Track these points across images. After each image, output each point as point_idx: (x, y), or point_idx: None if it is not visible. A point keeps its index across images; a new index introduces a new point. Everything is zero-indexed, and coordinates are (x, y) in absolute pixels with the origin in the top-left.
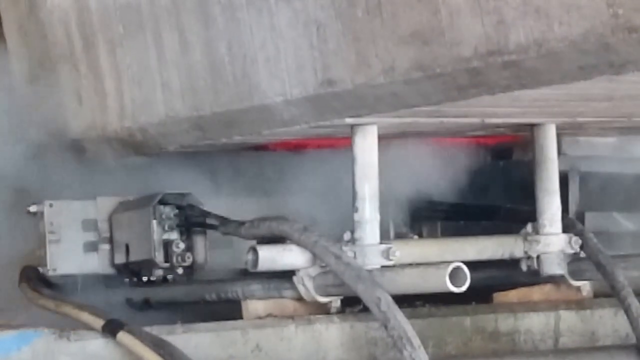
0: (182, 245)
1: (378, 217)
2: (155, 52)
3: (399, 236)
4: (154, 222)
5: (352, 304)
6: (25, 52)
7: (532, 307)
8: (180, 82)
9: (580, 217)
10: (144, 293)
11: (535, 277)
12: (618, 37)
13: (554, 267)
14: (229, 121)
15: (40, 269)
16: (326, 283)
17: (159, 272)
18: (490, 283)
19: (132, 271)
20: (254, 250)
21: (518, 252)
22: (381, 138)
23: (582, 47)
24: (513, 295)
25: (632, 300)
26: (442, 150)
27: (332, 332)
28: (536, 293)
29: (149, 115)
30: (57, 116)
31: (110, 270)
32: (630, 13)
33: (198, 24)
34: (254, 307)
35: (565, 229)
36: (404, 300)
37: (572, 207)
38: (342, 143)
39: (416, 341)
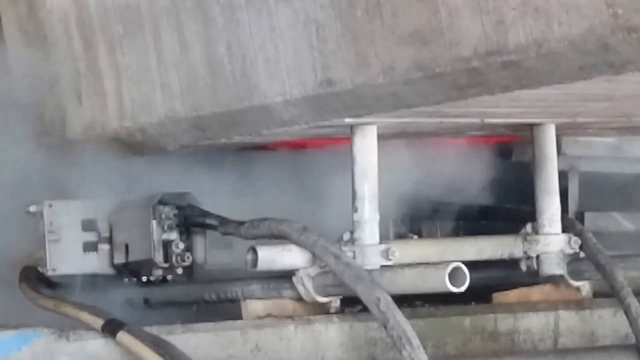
0: (181, 245)
1: (377, 217)
2: (154, 52)
3: (399, 236)
4: (154, 222)
5: (352, 304)
6: (24, 52)
7: (531, 307)
8: (180, 82)
9: (580, 217)
10: (144, 293)
11: (534, 277)
12: (618, 37)
13: (554, 267)
14: (228, 121)
15: (40, 269)
16: (325, 283)
17: (158, 272)
18: (490, 283)
19: (131, 271)
20: (254, 250)
21: (517, 252)
22: (380, 138)
23: (582, 47)
24: (512, 295)
25: (631, 300)
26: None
27: (332, 332)
28: (535, 293)
29: (148, 115)
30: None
31: (109, 271)
32: (630, 13)
33: (197, 24)
34: (253, 307)
35: (564, 229)
36: (404, 301)
37: (572, 207)
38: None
39: (415, 341)
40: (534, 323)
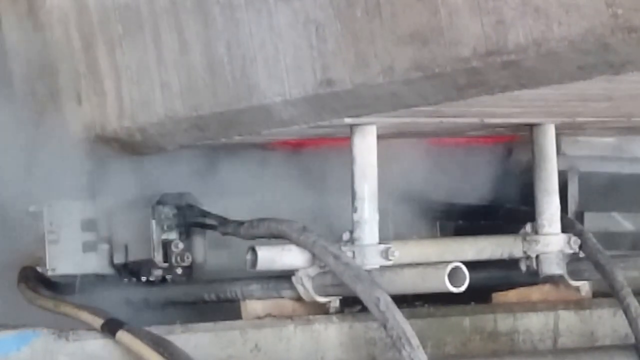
0: (181, 245)
1: (377, 217)
2: (154, 52)
3: (398, 236)
4: (153, 222)
5: (351, 304)
6: (24, 52)
7: (531, 307)
8: (180, 82)
9: (580, 217)
10: (143, 293)
11: (534, 277)
12: (617, 37)
13: (553, 267)
14: (228, 121)
15: (40, 269)
16: (325, 283)
17: (158, 272)
18: (489, 283)
19: (131, 271)
20: (253, 250)
21: (517, 252)
22: (380, 137)
23: (582, 47)
24: (512, 295)
25: (631, 300)
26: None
27: (331, 332)
28: (535, 293)
29: (148, 115)
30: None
31: (109, 270)
32: (629, 13)
33: (197, 24)
34: (252, 307)
35: (564, 229)
36: (403, 301)
37: (571, 207)
38: None
39: (415, 341)
40: (534, 323)
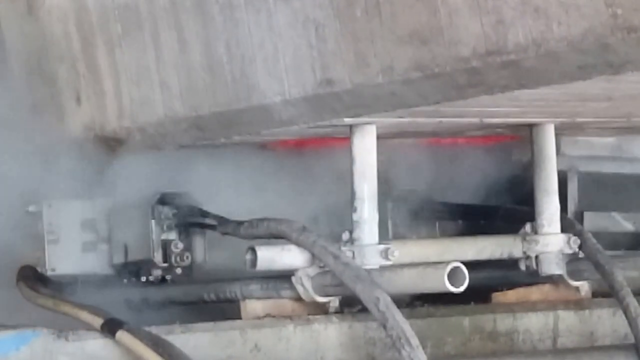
0: (180, 245)
1: (377, 217)
2: (153, 51)
3: (398, 236)
4: (153, 222)
5: (351, 304)
6: (23, 52)
7: (530, 307)
8: (179, 82)
9: (579, 217)
10: (143, 293)
11: (533, 277)
12: (617, 37)
13: (553, 267)
14: (227, 121)
15: (39, 269)
16: (325, 283)
17: (157, 272)
18: (489, 283)
19: (130, 271)
20: (253, 250)
21: (517, 252)
22: (380, 137)
23: (581, 47)
24: (512, 295)
25: (630, 300)
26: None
27: (331, 332)
28: (535, 293)
29: (147, 115)
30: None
31: (108, 270)
32: (629, 13)
33: (196, 24)
34: (252, 307)
35: (563, 229)
36: (403, 301)
37: (571, 207)
38: None
39: (415, 341)
40: (533, 323)
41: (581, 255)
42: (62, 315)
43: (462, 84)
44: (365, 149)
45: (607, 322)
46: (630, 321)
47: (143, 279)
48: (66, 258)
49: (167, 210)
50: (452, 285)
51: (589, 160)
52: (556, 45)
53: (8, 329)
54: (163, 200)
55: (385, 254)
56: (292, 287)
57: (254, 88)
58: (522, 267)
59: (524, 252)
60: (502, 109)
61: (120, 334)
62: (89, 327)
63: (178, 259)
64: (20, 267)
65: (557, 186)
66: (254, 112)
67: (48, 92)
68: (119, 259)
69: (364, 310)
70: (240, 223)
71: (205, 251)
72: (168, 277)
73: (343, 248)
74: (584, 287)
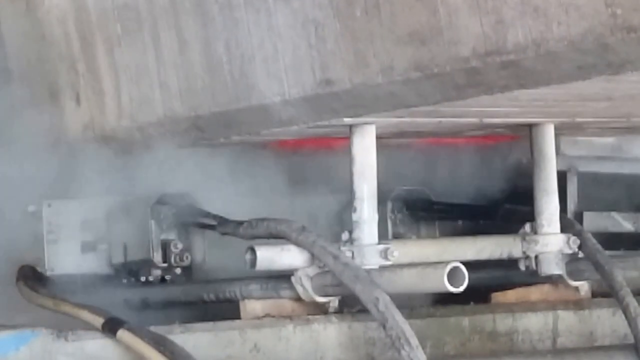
0: (180, 245)
1: (376, 217)
2: (153, 51)
3: (397, 236)
4: (152, 222)
5: (351, 304)
6: (23, 52)
7: (530, 307)
8: (179, 82)
9: (579, 217)
10: (142, 293)
11: (533, 277)
12: (617, 37)
13: (552, 267)
14: (227, 121)
15: (38, 269)
16: (324, 283)
17: (157, 272)
18: (489, 283)
19: (130, 271)
20: (252, 250)
21: (516, 252)
22: (379, 137)
23: (581, 47)
24: (511, 295)
25: (630, 300)
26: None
27: (330, 332)
28: (534, 293)
29: (147, 115)
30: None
31: (108, 270)
32: (628, 13)
33: (196, 24)
34: (252, 307)
35: (563, 229)
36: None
37: (571, 207)
38: None
39: (414, 341)
40: (533, 323)
41: (581, 255)
42: (61, 315)
43: (461, 84)
44: (365, 149)
45: (607, 322)
46: (630, 321)
47: (142, 279)
48: (65, 258)
49: (166, 210)
50: (452, 285)
51: (589, 160)
52: (556, 45)
53: (7, 329)
54: (162, 200)
55: (384, 254)
56: (292, 287)
57: (254, 88)
58: (522, 267)
59: (524, 252)
60: (501, 109)
61: (122, 333)
62: (88, 327)
63: (177, 259)
64: (20, 267)
65: (557, 186)
66: (254, 112)
67: (47, 92)
68: (118, 259)
69: (364, 310)
70: (239, 223)
71: (205, 251)
72: (167, 277)
73: (342, 248)
74: (583, 287)
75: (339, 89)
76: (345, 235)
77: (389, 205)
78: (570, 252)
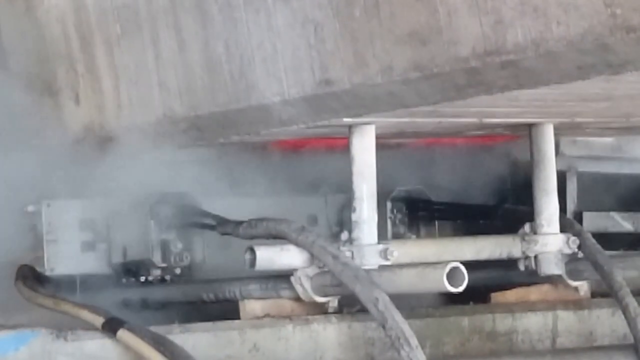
0: (179, 245)
1: (376, 217)
2: (152, 51)
3: (397, 236)
4: (152, 222)
5: (350, 304)
6: (22, 52)
7: (529, 307)
8: (178, 82)
9: (578, 217)
10: (142, 293)
11: (533, 277)
12: (616, 37)
13: (552, 267)
14: (226, 121)
15: (38, 269)
16: (324, 283)
17: (156, 272)
18: (488, 283)
19: (129, 271)
20: (252, 250)
21: (516, 252)
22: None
23: (580, 47)
24: (511, 295)
25: (629, 300)
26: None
27: (330, 332)
28: (534, 293)
29: (146, 115)
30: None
31: (107, 270)
32: (628, 13)
33: (195, 24)
34: (251, 307)
35: (563, 229)
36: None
37: (570, 207)
38: None
39: (414, 341)
40: (532, 323)
41: (580, 255)
42: (60, 315)
43: (461, 84)
44: (365, 149)
45: (606, 322)
46: (629, 321)
47: (142, 279)
48: (65, 258)
49: (166, 210)
50: (451, 285)
51: (589, 160)
52: (555, 45)
53: (7, 329)
54: (162, 200)
55: (384, 254)
56: (291, 287)
57: (253, 88)
58: (521, 267)
59: (523, 252)
60: (501, 109)
61: (122, 333)
62: (88, 327)
63: (177, 259)
64: (19, 266)
65: (556, 186)
66: (253, 112)
67: (47, 92)
68: (117, 258)
69: (363, 310)
70: (239, 223)
71: (205, 251)
72: (167, 277)
73: (342, 248)
74: (583, 287)
75: (339, 89)
76: (344, 235)
77: (389, 205)
78: (569, 252)
